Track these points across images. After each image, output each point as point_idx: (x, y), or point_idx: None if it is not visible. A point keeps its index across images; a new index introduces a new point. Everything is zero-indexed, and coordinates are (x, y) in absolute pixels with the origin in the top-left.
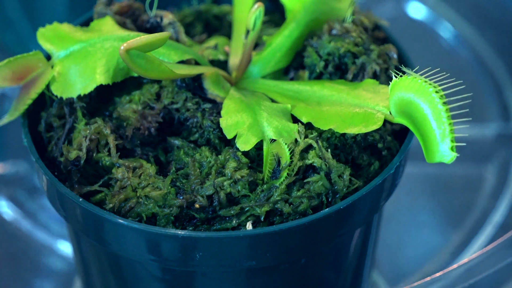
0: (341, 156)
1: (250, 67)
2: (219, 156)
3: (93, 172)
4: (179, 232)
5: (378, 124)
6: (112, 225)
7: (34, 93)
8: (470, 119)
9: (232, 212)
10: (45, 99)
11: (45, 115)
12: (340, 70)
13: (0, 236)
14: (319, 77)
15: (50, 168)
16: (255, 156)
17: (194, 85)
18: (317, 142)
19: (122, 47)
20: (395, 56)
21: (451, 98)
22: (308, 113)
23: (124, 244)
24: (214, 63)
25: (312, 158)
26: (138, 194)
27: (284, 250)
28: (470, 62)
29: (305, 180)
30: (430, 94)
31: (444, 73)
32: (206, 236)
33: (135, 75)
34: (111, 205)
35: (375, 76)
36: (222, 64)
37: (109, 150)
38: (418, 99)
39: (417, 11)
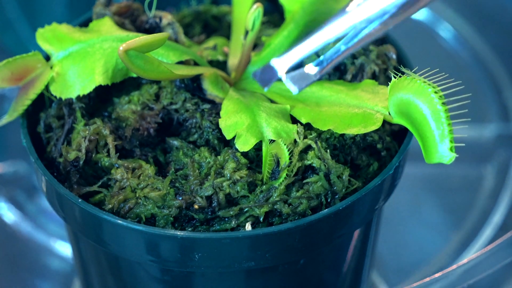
0: (340, 156)
1: (249, 67)
2: (218, 157)
3: (92, 173)
4: (178, 233)
5: (377, 125)
6: (111, 226)
7: (33, 94)
8: (469, 119)
9: (231, 212)
10: (44, 100)
11: (44, 116)
12: (339, 70)
13: None
14: None
15: (49, 169)
16: (254, 157)
17: (193, 85)
18: (316, 142)
19: (121, 48)
20: (394, 56)
21: (450, 99)
22: (307, 114)
23: (123, 245)
24: (213, 63)
25: (311, 159)
26: (137, 195)
27: (283, 250)
28: (469, 63)
29: (304, 181)
30: (429, 95)
31: (443, 73)
32: (205, 237)
33: (134, 75)
34: (110, 205)
35: (374, 76)
36: (221, 65)
37: (108, 151)
38: (417, 99)
39: None
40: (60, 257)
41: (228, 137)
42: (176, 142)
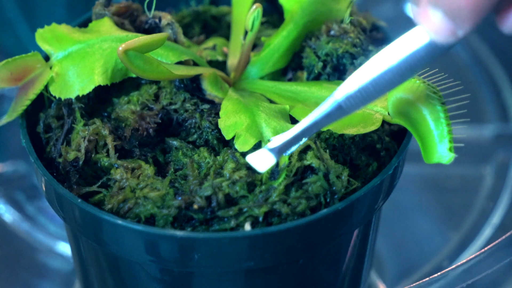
0: (340, 156)
1: (249, 68)
2: (218, 157)
3: (92, 173)
4: (178, 233)
5: (376, 125)
6: (111, 226)
7: (32, 94)
8: (469, 120)
9: (230, 213)
10: (43, 100)
11: (44, 116)
12: (338, 71)
13: None
14: (317, 78)
15: (49, 169)
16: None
17: (193, 86)
18: (315, 142)
19: (120, 48)
20: None
21: (450, 99)
22: (307, 114)
23: (122, 245)
24: (212, 64)
25: (310, 159)
26: (136, 195)
27: (283, 250)
28: (469, 63)
29: (304, 181)
30: (429, 95)
31: (443, 74)
32: (205, 237)
33: (134, 76)
34: (109, 206)
35: None
36: (220, 65)
37: (107, 151)
38: (416, 99)
39: None
40: (60, 257)
41: (228, 137)
42: (175, 142)
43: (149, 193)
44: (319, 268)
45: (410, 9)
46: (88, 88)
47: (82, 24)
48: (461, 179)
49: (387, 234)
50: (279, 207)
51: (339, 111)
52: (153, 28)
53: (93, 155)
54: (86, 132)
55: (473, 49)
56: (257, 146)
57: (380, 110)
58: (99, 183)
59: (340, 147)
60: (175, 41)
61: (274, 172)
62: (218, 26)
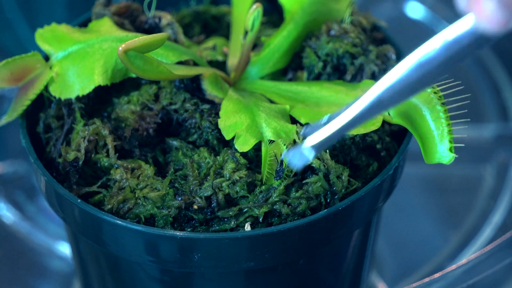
0: (340, 157)
1: (249, 68)
2: (218, 157)
3: (92, 173)
4: (178, 233)
5: (376, 125)
6: (111, 226)
7: (32, 94)
8: (469, 120)
9: (230, 213)
10: (43, 100)
11: (44, 116)
12: (338, 71)
13: None
14: (317, 78)
15: (49, 169)
16: (253, 157)
17: (193, 86)
18: None
19: (120, 48)
20: (393, 56)
21: (450, 99)
22: (307, 114)
23: (122, 245)
24: (212, 64)
25: None
26: (136, 195)
27: (283, 251)
28: (469, 63)
29: (304, 181)
30: (429, 95)
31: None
32: (205, 237)
33: (134, 76)
34: (109, 206)
35: (373, 77)
36: (220, 65)
37: (107, 151)
38: (416, 100)
39: (415, 11)
40: (60, 257)
41: (228, 137)
42: (175, 142)
43: (149, 193)
44: (319, 269)
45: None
46: (88, 88)
47: (82, 24)
48: (461, 179)
49: (388, 234)
50: (279, 207)
51: (379, 104)
52: (153, 28)
53: (93, 155)
54: (86, 132)
55: None
56: (257, 146)
57: None
58: (99, 183)
59: (340, 147)
60: (175, 41)
61: (279, 171)
62: (218, 26)
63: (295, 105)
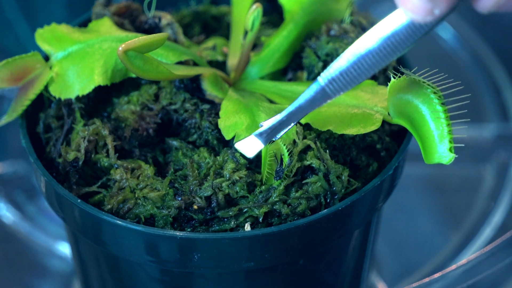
0: (340, 157)
1: (249, 68)
2: (218, 157)
3: (92, 173)
4: (178, 233)
5: (376, 125)
6: (111, 226)
7: (32, 94)
8: (469, 120)
9: (230, 213)
10: (43, 100)
11: (44, 116)
12: None
13: None
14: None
15: (49, 169)
16: (253, 157)
17: (193, 86)
18: (315, 143)
19: (120, 48)
20: None
21: (450, 99)
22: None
23: (122, 245)
24: (212, 64)
25: (310, 159)
26: (136, 195)
27: (283, 251)
28: (469, 63)
29: (304, 181)
30: (429, 95)
31: (443, 73)
32: (205, 237)
33: (133, 76)
34: (109, 206)
35: (373, 76)
36: (220, 65)
37: (107, 151)
38: (416, 99)
39: None
40: (60, 257)
41: (227, 137)
42: (175, 143)
43: (149, 193)
44: (319, 269)
45: None
46: (88, 88)
47: (82, 24)
48: (461, 179)
49: (388, 234)
50: (279, 207)
51: (323, 95)
52: (153, 28)
53: (93, 155)
54: (86, 132)
55: (473, 49)
56: None
57: (380, 110)
58: (99, 183)
59: (340, 147)
60: (175, 41)
61: (279, 171)
62: (218, 26)
63: None
